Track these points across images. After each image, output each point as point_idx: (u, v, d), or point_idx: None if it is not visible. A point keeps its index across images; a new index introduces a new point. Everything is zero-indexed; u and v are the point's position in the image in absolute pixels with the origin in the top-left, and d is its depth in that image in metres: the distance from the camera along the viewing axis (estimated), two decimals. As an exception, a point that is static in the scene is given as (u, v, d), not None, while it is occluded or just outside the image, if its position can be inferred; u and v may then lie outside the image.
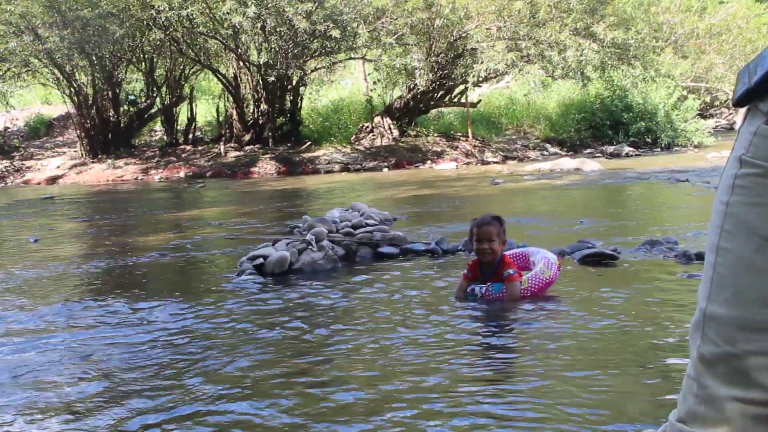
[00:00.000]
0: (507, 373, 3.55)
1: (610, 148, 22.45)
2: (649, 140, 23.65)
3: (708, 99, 32.22)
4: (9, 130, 25.31)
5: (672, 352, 3.65)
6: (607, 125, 23.91)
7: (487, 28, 19.92)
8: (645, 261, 6.04)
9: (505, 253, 5.13)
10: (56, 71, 21.68)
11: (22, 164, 22.24)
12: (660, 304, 4.65)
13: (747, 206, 1.14)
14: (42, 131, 26.14)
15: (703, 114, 26.24)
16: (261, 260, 6.14)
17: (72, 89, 22.16)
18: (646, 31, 20.30)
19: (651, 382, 3.26)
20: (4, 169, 21.75)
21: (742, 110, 1.20)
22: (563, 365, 3.54)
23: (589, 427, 2.81)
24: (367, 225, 7.32)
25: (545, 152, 22.53)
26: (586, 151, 22.24)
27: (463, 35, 20.61)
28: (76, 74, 22.10)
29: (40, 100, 29.00)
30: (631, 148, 22.57)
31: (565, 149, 23.00)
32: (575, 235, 7.22)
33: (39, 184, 20.28)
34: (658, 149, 23.12)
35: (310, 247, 6.39)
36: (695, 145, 23.63)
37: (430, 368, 3.57)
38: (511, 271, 4.91)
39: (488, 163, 20.76)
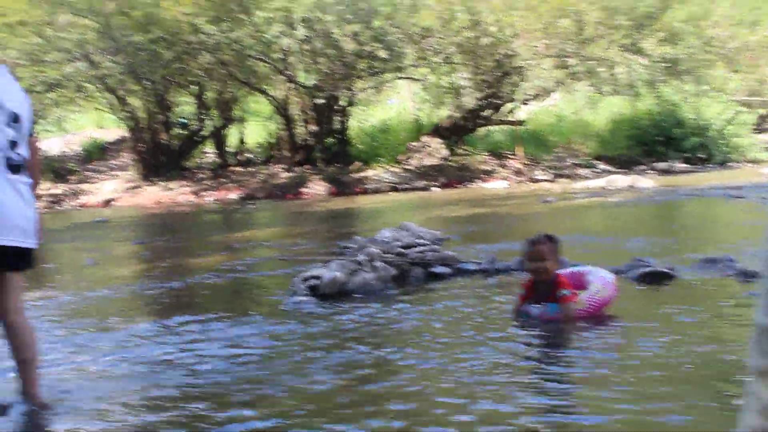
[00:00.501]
0: (564, 398, 3.50)
1: (662, 165, 22.16)
2: (702, 156, 23.30)
3: (763, 113, 31.63)
4: (65, 154, 25.87)
5: (736, 371, 3.57)
6: (659, 141, 23.61)
7: (534, 46, 19.85)
8: (703, 279, 5.93)
9: (561, 272, 5.08)
10: (110, 96, 22.12)
11: (78, 187, 22.70)
12: (720, 322, 4.56)
13: None
14: (96, 155, 26.66)
15: (758, 128, 25.77)
16: (314, 281, 6.16)
17: (125, 113, 22.59)
18: (696, 46, 20.03)
19: (714, 404, 3.18)
20: (60, 193, 22.21)
21: None
22: (623, 390, 3.47)
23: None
24: (419, 245, 7.30)
25: (596, 170, 22.32)
26: (637, 168, 21.99)
27: (510, 53, 20.57)
28: (129, 99, 22.53)
29: (94, 124, 29.60)
30: (684, 164, 22.26)
31: (616, 166, 22.76)
32: (630, 254, 7.11)
33: (94, 207, 20.65)
34: (712, 165, 22.77)
35: (363, 267, 6.39)
36: (750, 160, 23.22)
37: (484, 392, 3.54)
38: (566, 291, 4.85)
39: (538, 181, 20.63)
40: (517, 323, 4.87)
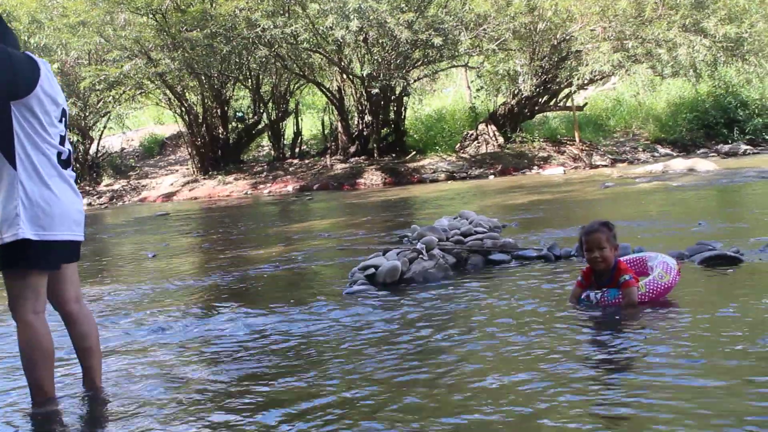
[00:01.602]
0: (628, 386, 3.41)
1: (725, 147, 21.65)
2: (768, 137, 22.72)
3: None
4: (125, 150, 26.35)
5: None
6: (722, 123, 23.08)
7: (591, 29, 19.55)
8: (771, 263, 5.76)
9: (621, 258, 4.97)
10: (168, 92, 22.45)
11: (138, 183, 23.11)
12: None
13: None
14: (156, 150, 27.13)
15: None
16: (372, 270, 6.15)
17: (183, 109, 22.91)
18: (761, 25, 19.48)
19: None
20: (121, 188, 22.65)
21: None
22: (690, 379, 3.37)
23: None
24: (477, 233, 7.25)
25: (656, 153, 21.92)
26: (699, 151, 21.53)
27: (567, 38, 20.29)
28: (187, 94, 22.84)
29: (153, 120, 30.12)
30: (749, 146, 21.71)
31: (677, 150, 22.32)
32: (694, 238, 6.95)
33: (154, 201, 21.00)
34: (778, 146, 22.17)
35: (421, 256, 6.36)
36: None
37: (549, 378, 3.48)
38: (627, 276, 4.74)
39: (597, 166, 20.33)
40: (577, 309, 4.78)
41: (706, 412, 2.92)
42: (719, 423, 2.81)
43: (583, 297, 4.87)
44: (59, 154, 3.47)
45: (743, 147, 21.56)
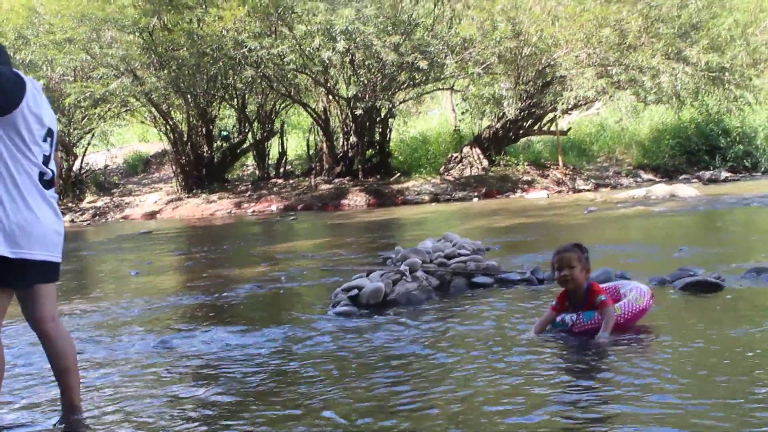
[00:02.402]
0: (607, 414, 3.43)
1: (707, 174, 21.85)
2: (748, 165, 22.93)
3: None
4: (109, 167, 26.27)
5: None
6: (704, 150, 23.31)
7: (575, 56, 19.72)
8: (752, 289, 5.80)
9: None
10: (153, 110, 22.44)
11: (122, 200, 23.03)
12: (766, 333, 4.44)
13: None
14: (140, 168, 27.07)
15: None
16: (356, 291, 6.15)
17: (168, 127, 22.90)
18: (743, 55, 19.72)
19: (762, 417, 3.09)
20: (104, 205, 22.56)
21: None
22: (661, 402, 3.40)
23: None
24: (460, 255, 7.27)
25: (638, 179, 22.09)
26: (681, 177, 21.70)
27: (552, 63, 20.45)
28: (172, 112, 22.84)
29: (137, 138, 30.07)
30: (730, 173, 21.92)
31: (659, 176, 22.49)
32: (675, 263, 7.00)
33: (137, 219, 20.92)
34: (759, 174, 22.38)
35: (405, 277, 6.37)
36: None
37: (522, 402, 3.49)
38: (602, 297, 4.76)
39: (580, 191, 20.46)
40: (539, 336, 4.77)
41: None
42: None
43: (558, 320, 4.86)
44: (42, 174, 3.45)
45: (724, 174, 21.78)
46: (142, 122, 25.57)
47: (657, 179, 21.65)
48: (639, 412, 3.26)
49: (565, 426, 3.16)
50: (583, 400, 3.52)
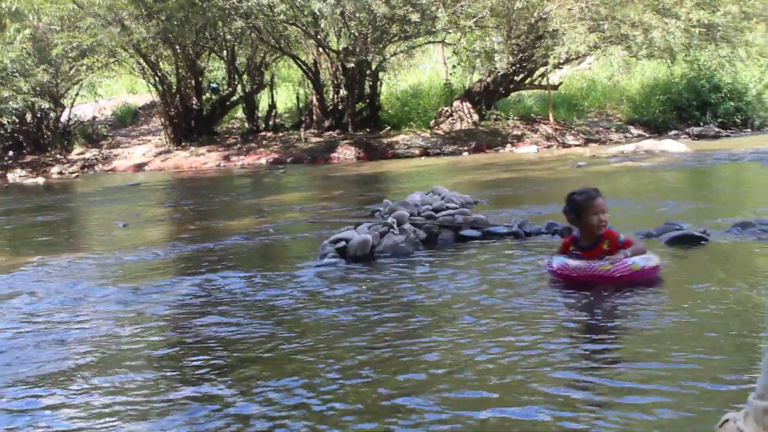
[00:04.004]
0: (591, 359, 3.47)
1: (697, 129, 21.82)
2: (739, 121, 22.90)
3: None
4: (97, 119, 26.05)
5: (756, 338, 3.51)
6: (694, 106, 23.24)
7: (568, 9, 19.54)
8: (737, 243, 5.84)
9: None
10: (141, 61, 22.20)
11: (110, 152, 22.89)
12: (753, 286, 4.48)
13: None
14: (128, 120, 26.85)
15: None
16: (343, 243, 6.16)
17: (156, 78, 22.67)
18: (734, 11, 19.56)
19: (742, 368, 3.13)
20: (93, 157, 22.42)
21: None
22: (652, 353, 3.44)
23: (676, 413, 2.73)
24: (449, 208, 7.27)
25: (628, 134, 22.04)
26: (671, 133, 21.67)
27: (544, 17, 20.28)
28: (161, 64, 22.60)
29: (126, 89, 29.77)
30: (720, 129, 21.90)
31: (649, 131, 22.45)
32: (662, 218, 7.03)
33: (125, 171, 20.83)
34: (749, 130, 22.38)
35: (392, 230, 6.38)
36: (788, 125, 22.82)
37: (513, 354, 3.52)
38: (623, 236, 4.88)
39: (569, 146, 20.43)
40: (551, 280, 4.84)
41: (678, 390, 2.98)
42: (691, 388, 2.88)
43: (557, 262, 4.88)
44: None
45: (714, 130, 21.74)
46: (131, 73, 25.30)
47: (647, 135, 21.60)
48: (635, 368, 3.31)
49: (554, 367, 3.20)
50: (570, 347, 3.56)
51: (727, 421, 1.28)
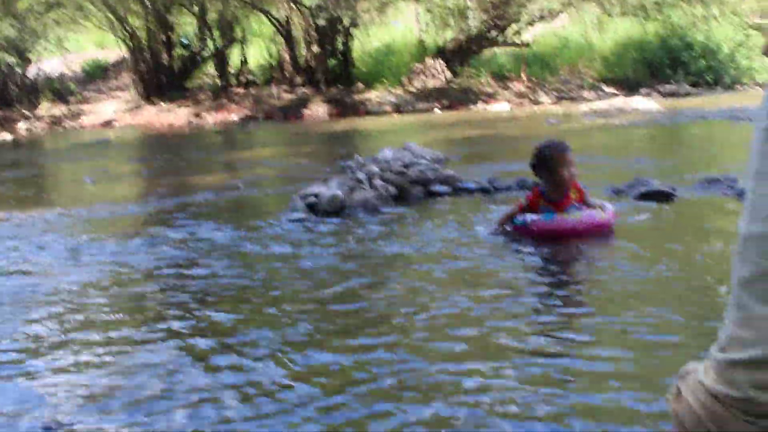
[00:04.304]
0: (559, 313, 3.50)
1: (669, 88, 21.88)
2: (710, 79, 22.99)
3: (772, 36, 31.14)
4: (65, 75, 25.61)
5: (726, 289, 3.55)
6: (666, 64, 23.28)
7: (542, -35, 19.42)
8: (703, 199, 5.90)
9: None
10: (110, 15, 21.81)
11: (79, 108, 22.54)
12: (717, 240, 4.53)
13: None
14: (97, 76, 26.42)
15: None
16: (313, 199, 6.14)
17: (125, 33, 22.30)
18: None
19: (703, 319, 3.17)
20: (61, 114, 22.08)
21: None
22: (615, 305, 3.48)
23: (642, 364, 2.77)
24: (420, 164, 7.26)
25: (601, 92, 22.06)
26: (643, 91, 21.71)
27: (518, -28, 20.14)
28: (129, 18, 22.21)
29: (95, 44, 29.25)
30: (692, 88, 21.99)
31: (622, 89, 22.48)
32: (632, 174, 7.06)
33: (95, 127, 20.56)
34: (720, 88, 22.50)
35: (363, 185, 6.36)
36: (759, 84, 22.92)
37: (481, 308, 3.54)
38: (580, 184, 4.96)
39: (542, 103, 20.43)
40: (500, 235, 4.85)
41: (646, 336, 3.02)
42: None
43: (519, 219, 4.88)
44: None
45: (686, 88, 21.82)
46: (99, 28, 24.84)
47: (619, 93, 21.62)
48: (602, 321, 3.35)
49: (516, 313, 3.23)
50: (538, 301, 3.59)
51: (688, 373, 1.28)
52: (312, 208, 6.09)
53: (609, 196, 5.93)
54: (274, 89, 21.84)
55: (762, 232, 1.15)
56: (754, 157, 1.20)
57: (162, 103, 21.68)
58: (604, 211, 4.82)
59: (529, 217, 4.85)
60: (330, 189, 6.26)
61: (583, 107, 17.40)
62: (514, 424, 2.32)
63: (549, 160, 4.87)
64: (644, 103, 16.69)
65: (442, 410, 2.45)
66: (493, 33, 22.39)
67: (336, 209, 6.09)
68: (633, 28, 24.05)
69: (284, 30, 22.09)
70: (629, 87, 22.54)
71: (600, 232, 4.77)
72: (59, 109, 22.45)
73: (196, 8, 22.80)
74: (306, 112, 20.00)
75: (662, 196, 5.93)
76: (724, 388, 1.18)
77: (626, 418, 2.30)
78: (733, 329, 1.19)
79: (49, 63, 25.16)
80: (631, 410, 2.36)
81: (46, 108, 22.81)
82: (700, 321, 3.16)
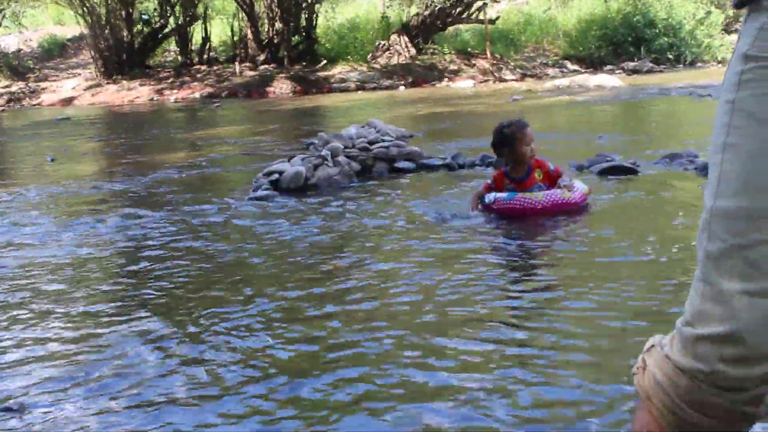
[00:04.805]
0: (527, 288, 3.51)
1: (631, 65, 22.07)
2: (672, 56, 23.21)
3: (732, 13, 31.47)
4: (22, 51, 25.15)
5: (690, 264, 3.59)
6: (629, 41, 23.45)
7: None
8: (665, 174, 5.95)
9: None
10: (68, -10, 21.43)
11: (37, 86, 22.16)
12: (678, 214, 4.57)
13: (755, 98, 1.14)
14: (56, 52, 25.98)
15: (728, 29, 25.63)
16: (276, 176, 6.10)
17: (84, 9, 21.91)
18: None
19: (667, 295, 3.20)
20: (19, 91, 21.69)
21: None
22: (577, 280, 3.50)
23: (610, 338, 2.79)
24: (384, 141, 7.23)
25: (564, 69, 22.18)
26: (606, 68, 21.86)
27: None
28: (88, -7, 21.85)
29: (53, 20, 28.72)
30: (653, 64, 22.19)
31: (585, 66, 22.62)
32: (595, 150, 7.11)
33: (54, 105, 20.22)
34: (681, 65, 22.72)
35: (326, 162, 6.33)
36: (719, 60, 23.18)
37: (449, 285, 3.54)
38: (552, 166, 4.98)
39: (506, 80, 20.48)
40: (473, 212, 4.85)
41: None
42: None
43: (486, 198, 4.89)
44: None
45: (648, 65, 22.01)
46: (57, 3, 24.39)
47: (582, 70, 21.75)
48: (572, 293, 3.36)
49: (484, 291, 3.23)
50: (505, 276, 3.59)
51: (653, 346, 1.29)
52: (275, 185, 6.05)
53: (572, 172, 5.95)
54: (237, 66, 21.64)
55: (730, 207, 1.15)
56: (719, 130, 1.20)
57: (123, 81, 21.39)
58: (571, 191, 4.79)
59: (494, 195, 4.87)
60: (293, 166, 6.22)
61: (547, 84, 17.47)
62: (472, 409, 2.31)
63: (508, 138, 4.91)
64: (607, 79, 16.81)
65: (408, 383, 2.45)
66: (458, 9, 22.37)
67: (299, 186, 6.06)
68: (596, 5, 24.16)
69: (247, 6, 21.87)
70: (592, 64, 22.71)
71: (561, 210, 4.75)
72: (17, 87, 22.05)
73: (156, -17, 22.49)
74: (269, 89, 19.87)
75: (625, 172, 5.97)
76: (691, 362, 1.19)
77: (588, 401, 2.31)
78: (700, 304, 1.19)
79: (5, 39, 24.69)
80: (592, 393, 2.36)
81: (3, 85, 22.40)
82: (665, 294, 3.19)
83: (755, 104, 1.14)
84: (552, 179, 4.91)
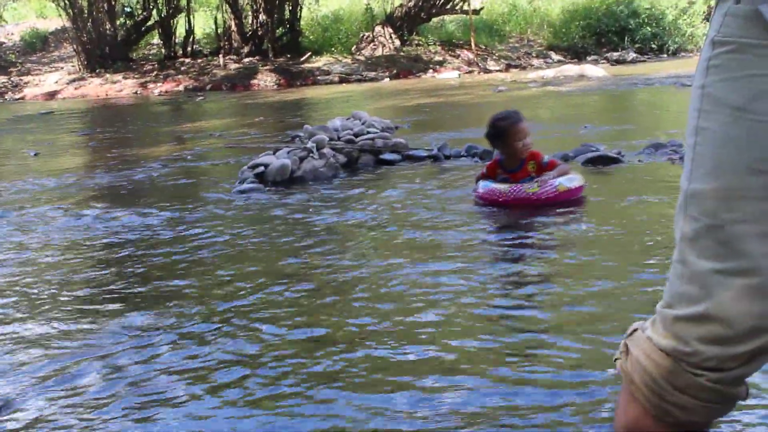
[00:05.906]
0: (521, 274, 3.53)
1: (615, 55, 22.15)
2: (655, 46, 23.30)
3: (713, 3, 31.59)
4: (4, 45, 24.96)
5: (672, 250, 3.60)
6: (613, 31, 23.53)
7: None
8: (649, 163, 5.97)
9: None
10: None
11: (20, 80, 22.01)
12: (662, 203, 4.60)
13: (721, 82, 1.16)
14: (38, 46, 25.77)
15: (708, 18, 25.72)
16: (262, 169, 6.08)
17: (66, 2, 21.75)
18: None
19: (651, 279, 3.22)
20: (1, 85, 21.53)
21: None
22: (563, 269, 3.52)
23: (585, 325, 2.81)
24: (369, 133, 7.23)
25: (549, 60, 22.22)
26: (590, 58, 21.91)
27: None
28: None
29: (35, 13, 28.49)
30: (637, 54, 22.27)
31: (569, 56, 22.66)
32: (579, 140, 7.13)
33: (37, 99, 20.08)
34: (665, 55, 22.80)
35: (312, 154, 6.32)
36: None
37: (432, 278, 3.55)
38: (547, 157, 4.97)
39: (491, 71, 20.49)
40: (472, 202, 4.88)
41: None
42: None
43: (477, 186, 4.93)
44: None
45: (632, 55, 22.09)
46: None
47: (567, 60, 21.79)
48: (564, 283, 3.37)
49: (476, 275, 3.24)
50: (497, 265, 3.61)
51: (636, 330, 1.30)
52: (261, 178, 6.04)
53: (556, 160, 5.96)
54: (221, 59, 21.55)
55: (703, 188, 1.18)
56: (691, 114, 1.23)
57: (106, 74, 21.26)
58: (541, 187, 4.75)
59: (481, 184, 4.90)
60: (279, 159, 6.21)
61: (532, 75, 17.49)
62: (462, 396, 2.33)
63: (503, 132, 4.92)
64: (591, 70, 16.85)
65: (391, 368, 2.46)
66: (442, 0, 22.36)
67: (285, 179, 6.05)
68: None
69: (231, -2, 21.77)
70: (577, 54, 22.76)
71: (526, 204, 4.75)
72: (-1, 81, 21.88)
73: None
74: (254, 82, 19.81)
75: (610, 161, 6.00)
76: (672, 343, 1.21)
77: (583, 390, 2.32)
78: (678, 285, 1.21)
79: (-13, 33, 24.48)
80: (581, 377, 2.38)
81: (-15, 79, 22.21)
82: (650, 279, 3.20)
83: (722, 89, 1.16)
84: (542, 172, 4.91)
